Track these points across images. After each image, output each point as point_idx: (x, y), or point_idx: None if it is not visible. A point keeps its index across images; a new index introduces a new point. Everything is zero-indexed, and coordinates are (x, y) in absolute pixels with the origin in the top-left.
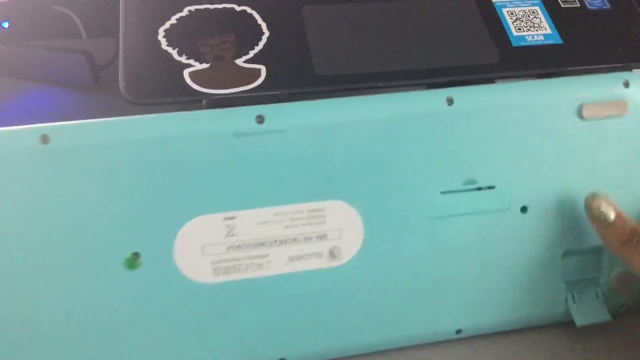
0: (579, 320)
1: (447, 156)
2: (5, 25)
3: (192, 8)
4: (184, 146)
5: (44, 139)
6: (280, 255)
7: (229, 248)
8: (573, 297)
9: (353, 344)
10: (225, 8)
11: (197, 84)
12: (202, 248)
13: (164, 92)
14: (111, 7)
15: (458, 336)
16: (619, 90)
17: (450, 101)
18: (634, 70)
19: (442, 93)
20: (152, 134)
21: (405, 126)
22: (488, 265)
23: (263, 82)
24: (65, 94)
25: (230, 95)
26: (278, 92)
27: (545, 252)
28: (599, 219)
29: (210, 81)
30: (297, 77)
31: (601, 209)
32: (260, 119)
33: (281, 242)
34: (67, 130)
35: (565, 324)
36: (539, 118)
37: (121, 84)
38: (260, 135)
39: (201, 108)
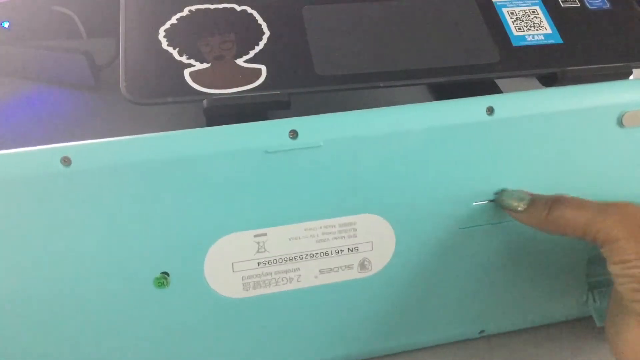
0: (599, 320)
1: (483, 167)
2: (5, 25)
3: (193, 8)
4: (214, 164)
5: (66, 161)
6: (310, 268)
7: (259, 264)
8: (594, 298)
9: (378, 347)
10: (226, 8)
11: (198, 83)
12: (233, 265)
13: (164, 91)
14: (111, 7)
15: (480, 335)
16: None
17: (490, 110)
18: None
19: (482, 102)
20: (180, 151)
21: (442, 137)
22: (514, 270)
23: (263, 82)
24: (65, 94)
25: (231, 95)
26: (278, 92)
27: (572, 257)
28: (515, 207)
29: (211, 81)
30: (298, 77)
31: (513, 196)
32: (294, 134)
33: (312, 256)
34: (88, 150)
35: (582, 320)
36: (578, 126)
37: (122, 83)
38: (293, 152)
39: (202, 108)
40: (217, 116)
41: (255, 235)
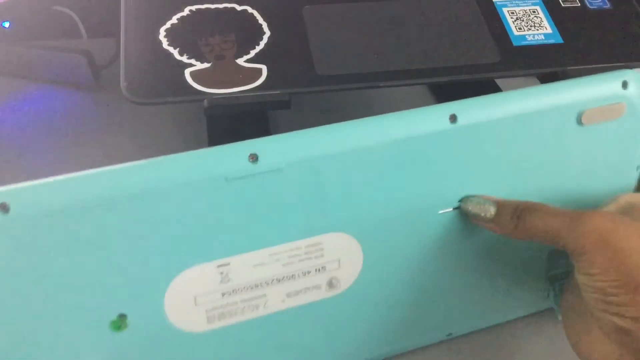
0: (560, 313)
1: (448, 175)
2: (6, 25)
3: (193, 7)
4: (169, 197)
5: (3, 208)
6: (277, 293)
7: (223, 294)
8: (555, 291)
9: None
10: (226, 8)
11: (198, 83)
12: (195, 298)
13: (165, 91)
14: (111, 7)
15: (448, 338)
16: (617, 91)
17: (453, 118)
18: (634, 70)
19: (445, 110)
20: (132, 187)
21: (406, 149)
22: (479, 272)
23: (264, 81)
24: (65, 94)
25: (232, 95)
26: (279, 92)
27: (533, 255)
28: (482, 216)
29: (212, 81)
30: (298, 76)
31: (479, 206)
32: (254, 158)
33: (278, 281)
34: (27, 194)
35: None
36: (539, 127)
37: (122, 83)
38: (254, 177)
39: (202, 107)
40: (218, 116)
41: (218, 266)
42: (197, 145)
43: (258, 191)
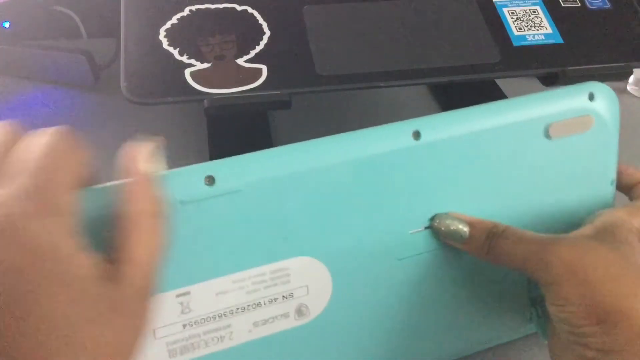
0: (544, 335)
1: (415, 193)
2: (6, 25)
3: (193, 8)
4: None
5: None
6: (243, 323)
7: (184, 326)
8: (537, 313)
9: None
10: (226, 8)
11: (199, 83)
12: (154, 331)
13: (165, 91)
14: (112, 7)
15: None
16: (584, 104)
17: (416, 135)
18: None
19: (408, 126)
20: (82, 213)
21: (370, 168)
22: (458, 297)
23: (264, 81)
24: (66, 94)
25: (232, 95)
26: (279, 92)
27: (512, 275)
28: (455, 239)
29: (212, 81)
30: (298, 76)
31: (451, 228)
32: (210, 180)
33: (243, 309)
34: None
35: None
36: (506, 141)
37: (122, 83)
38: (212, 199)
39: (202, 107)
40: (218, 116)
41: (177, 296)
42: (197, 145)
43: (216, 215)
